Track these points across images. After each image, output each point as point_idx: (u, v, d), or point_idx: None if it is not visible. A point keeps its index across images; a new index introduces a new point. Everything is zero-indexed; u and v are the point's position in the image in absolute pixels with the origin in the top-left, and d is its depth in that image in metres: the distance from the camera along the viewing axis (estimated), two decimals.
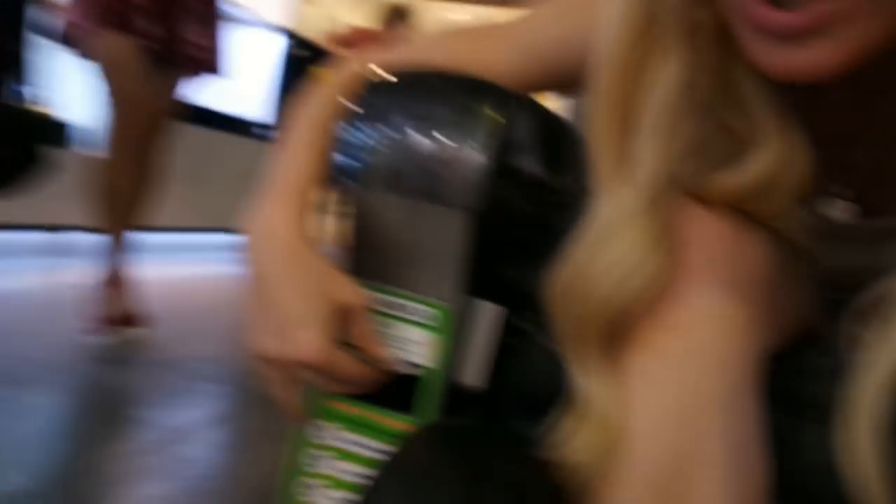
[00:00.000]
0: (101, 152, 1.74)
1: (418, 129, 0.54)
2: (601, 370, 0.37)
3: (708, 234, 0.38)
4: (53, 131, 2.53)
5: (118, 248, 1.84)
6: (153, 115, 1.73)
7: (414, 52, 0.61)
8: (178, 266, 2.03)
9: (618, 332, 0.37)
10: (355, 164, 0.55)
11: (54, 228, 2.53)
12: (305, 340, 0.45)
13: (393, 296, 0.56)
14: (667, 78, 0.37)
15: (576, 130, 0.56)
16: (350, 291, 0.49)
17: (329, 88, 0.58)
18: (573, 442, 0.37)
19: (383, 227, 0.57)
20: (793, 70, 0.31)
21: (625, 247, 0.36)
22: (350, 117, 0.56)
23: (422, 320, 0.56)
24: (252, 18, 3.54)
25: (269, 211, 0.51)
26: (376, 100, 0.56)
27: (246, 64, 3.62)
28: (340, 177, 0.56)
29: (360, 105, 0.56)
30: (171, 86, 1.79)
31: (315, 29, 7.27)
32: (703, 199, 0.38)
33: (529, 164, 0.63)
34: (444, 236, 0.56)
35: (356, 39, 3.68)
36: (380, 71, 0.57)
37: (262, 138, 3.57)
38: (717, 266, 0.37)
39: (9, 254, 2.39)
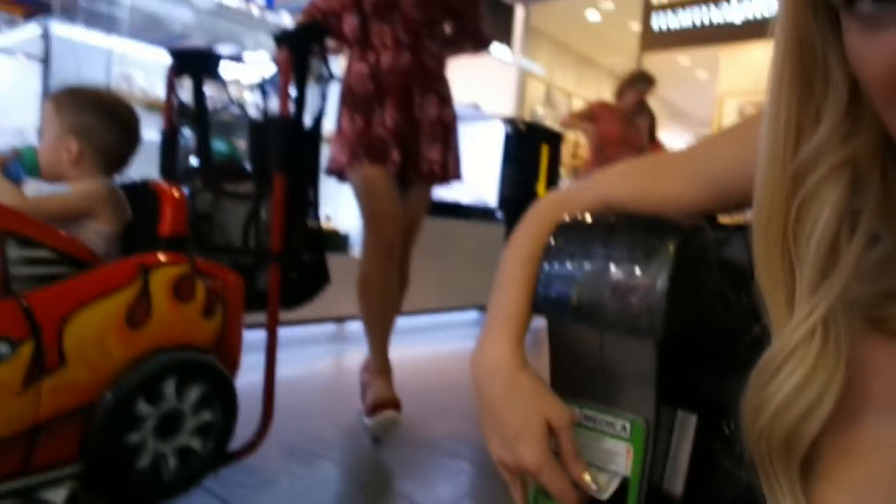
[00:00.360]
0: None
1: (608, 266, 0.60)
2: (791, 491, 0.39)
3: (887, 363, 0.38)
4: (337, 242, 3.08)
5: (374, 337, 2.14)
6: (401, 227, 2.00)
7: (601, 185, 0.67)
8: (430, 345, 2.27)
9: (803, 456, 0.39)
10: (555, 295, 0.63)
11: (340, 320, 2.99)
12: (526, 454, 0.56)
13: (594, 411, 0.62)
14: (823, 211, 0.37)
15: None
16: (557, 411, 0.58)
17: (534, 227, 0.67)
18: None
19: (581, 351, 0.64)
20: None
21: (800, 380, 0.37)
22: (550, 254, 0.64)
23: (620, 433, 0.61)
24: (478, 113, 3.89)
25: (490, 345, 0.62)
26: (572, 238, 0.64)
27: (476, 155, 3.98)
28: (543, 305, 0.64)
29: (558, 243, 0.64)
30: (417, 198, 2.06)
31: (538, 102, 7.67)
32: (884, 325, 0.38)
33: (712, 283, 0.67)
34: (635, 362, 0.61)
35: (596, 112, 3.86)
36: (575, 212, 0.65)
37: (493, 220, 3.85)
38: None
39: (303, 344, 2.89)
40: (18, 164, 1.32)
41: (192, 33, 2.99)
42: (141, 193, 1.37)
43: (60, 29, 2.72)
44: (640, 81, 3.83)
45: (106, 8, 2.57)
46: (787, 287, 0.39)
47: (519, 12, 7.24)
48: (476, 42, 2.17)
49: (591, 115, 3.85)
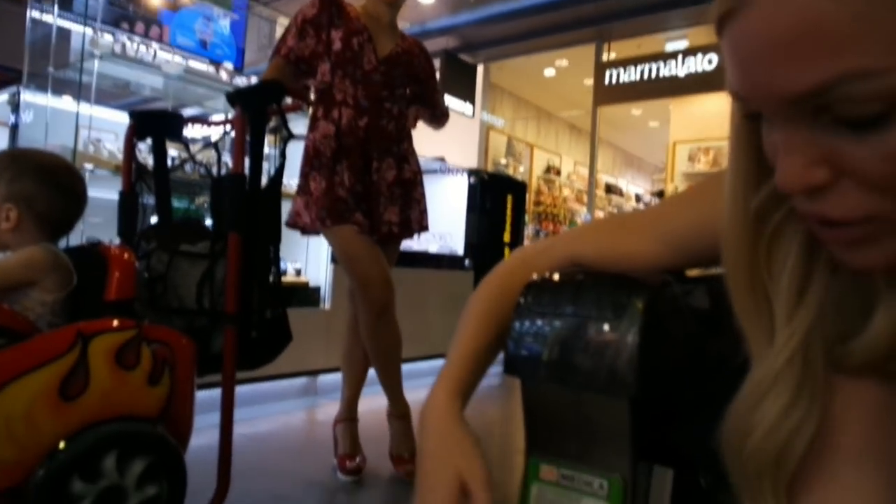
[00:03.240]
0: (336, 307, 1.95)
1: (578, 325, 0.57)
2: None
3: (854, 409, 0.38)
4: (308, 295, 2.97)
5: (347, 388, 2.04)
6: (391, 281, 1.90)
7: (567, 243, 0.66)
8: (408, 394, 2.16)
9: (791, 472, 0.39)
10: (526, 354, 0.59)
11: (312, 373, 2.85)
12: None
13: (571, 470, 0.58)
14: (791, 247, 0.39)
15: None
16: (474, 470, 0.54)
17: (496, 282, 0.64)
18: None
19: (555, 409, 0.60)
20: (860, 266, 0.35)
21: (787, 402, 0.38)
22: (520, 312, 0.60)
23: (598, 491, 0.57)
24: (444, 165, 3.86)
25: (432, 396, 0.59)
26: (541, 297, 0.60)
27: (443, 206, 3.93)
28: (515, 364, 0.60)
29: (528, 302, 0.60)
30: (385, 255, 1.94)
31: (500, 154, 7.73)
32: (842, 364, 0.39)
33: (681, 336, 0.62)
34: (610, 419, 0.57)
35: None
36: (543, 271, 0.62)
37: (461, 268, 3.77)
38: (866, 443, 0.37)
39: (275, 399, 2.74)
40: None
41: (162, 97, 2.92)
42: (90, 257, 1.27)
43: (30, 96, 2.64)
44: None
45: (74, 75, 2.49)
46: (765, 318, 0.40)
47: (480, 70, 7.36)
48: (433, 111, 2.13)
49: None
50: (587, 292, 0.58)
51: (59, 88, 2.58)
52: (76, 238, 2.34)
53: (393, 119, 1.91)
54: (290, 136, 1.50)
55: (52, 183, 1.21)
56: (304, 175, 1.91)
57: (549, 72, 7.78)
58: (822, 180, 0.32)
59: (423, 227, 2.03)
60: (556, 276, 0.62)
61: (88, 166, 2.38)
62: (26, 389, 0.97)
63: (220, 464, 1.32)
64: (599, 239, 0.64)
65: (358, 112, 1.85)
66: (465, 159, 6.49)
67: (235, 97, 1.41)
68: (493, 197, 3.94)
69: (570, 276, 0.61)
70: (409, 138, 2.01)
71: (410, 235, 2.00)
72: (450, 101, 6.42)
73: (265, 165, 1.51)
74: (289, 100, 1.64)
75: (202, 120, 2.52)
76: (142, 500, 1.09)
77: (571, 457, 0.59)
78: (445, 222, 3.72)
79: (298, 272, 3.06)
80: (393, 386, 2.01)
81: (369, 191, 1.86)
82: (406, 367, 3.27)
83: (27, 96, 2.63)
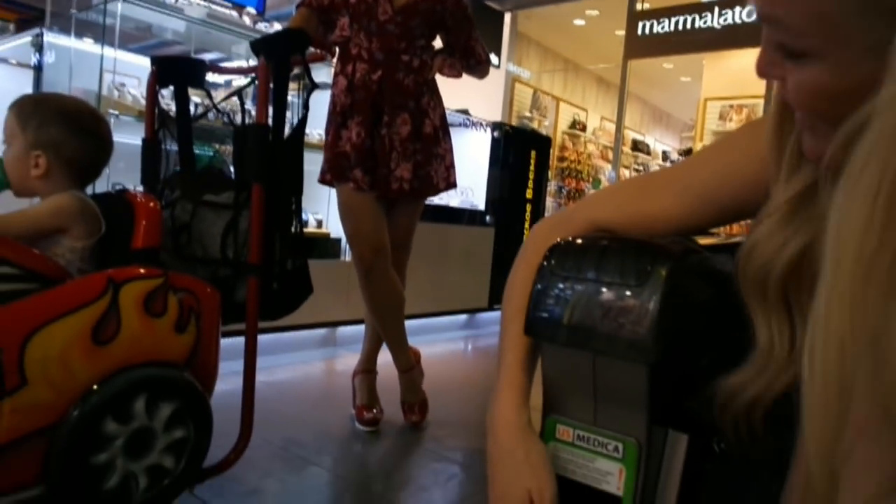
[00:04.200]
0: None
1: (600, 290, 0.58)
2: (765, 317, 0.50)
3: None
4: (329, 246, 2.99)
5: (367, 341, 2.08)
6: (388, 243, 1.90)
7: (593, 208, 0.66)
8: (420, 349, 2.19)
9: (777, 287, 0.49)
10: (545, 316, 0.60)
11: (332, 324, 2.91)
12: None
13: (587, 431, 0.60)
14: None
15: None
16: (542, 485, 0.57)
17: (531, 265, 0.64)
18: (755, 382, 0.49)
19: (573, 373, 0.61)
20: (806, 151, 0.47)
21: (767, 229, 0.49)
22: (541, 275, 0.61)
23: (612, 454, 0.59)
24: (467, 119, 3.80)
25: (498, 405, 0.61)
26: (564, 261, 0.61)
27: (466, 160, 3.90)
28: (534, 327, 0.61)
29: (550, 265, 0.61)
30: (401, 215, 1.95)
31: (525, 107, 7.60)
32: None
33: (701, 304, 0.62)
34: (627, 384, 0.58)
35: None
36: (567, 237, 0.62)
37: (482, 223, 3.77)
38: None
39: (295, 349, 2.80)
40: None
41: (184, 42, 2.89)
42: (117, 204, 1.29)
43: (53, 38, 2.63)
44: None
45: (97, 17, 2.47)
46: (779, 172, 0.50)
47: (507, 18, 7.16)
48: (468, 59, 2.00)
49: None
50: (610, 257, 0.58)
51: (82, 31, 2.57)
52: (102, 184, 2.37)
53: (412, 72, 1.86)
54: (314, 86, 1.49)
55: (78, 129, 1.22)
56: (325, 129, 1.91)
57: (579, 21, 7.54)
58: (775, 76, 0.44)
59: (451, 183, 1.99)
60: (580, 241, 0.61)
61: (113, 112, 2.39)
62: (61, 333, 1.01)
63: (243, 412, 1.37)
64: (622, 202, 0.64)
65: (372, 65, 1.82)
66: (489, 112, 6.38)
67: (260, 45, 1.40)
68: (517, 152, 3.90)
69: (594, 241, 0.61)
70: (433, 92, 1.95)
71: (434, 192, 1.97)
72: None
73: (288, 115, 1.50)
74: (313, 50, 1.62)
75: (224, 69, 2.50)
76: (169, 442, 1.15)
77: (587, 419, 0.61)
78: (467, 176, 3.69)
79: (320, 223, 3.08)
80: (391, 342, 2.02)
81: (380, 146, 1.83)
82: (425, 322, 3.32)
83: (50, 37, 2.63)
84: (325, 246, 3.01)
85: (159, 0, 2.50)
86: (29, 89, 2.66)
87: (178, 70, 1.65)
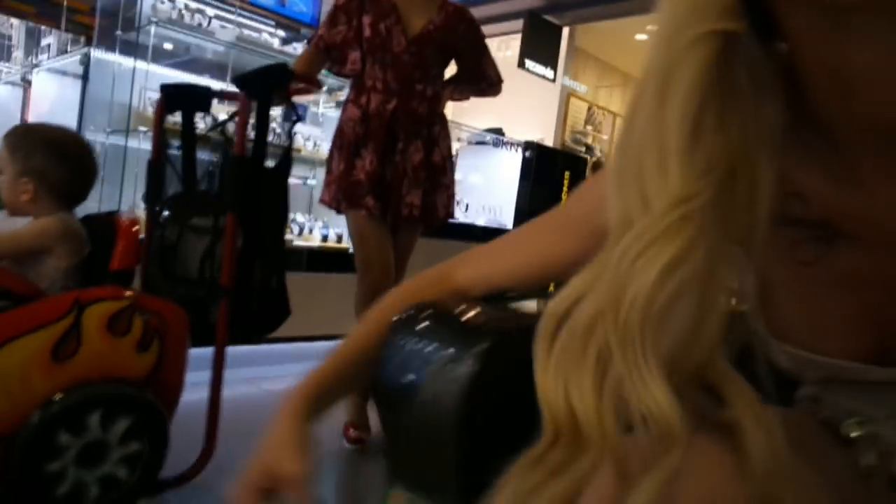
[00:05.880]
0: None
1: (418, 364, 0.61)
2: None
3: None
4: (345, 260, 3.09)
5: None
6: (392, 265, 1.95)
7: (494, 256, 0.67)
8: None
9: None
10: (385, 383, 0.64)
11: (331, 337, 2.98)
12: (237, 489, 0.57)
13: (410, 494, 0.62)
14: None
15: None
16: (284, 464, 0.57)
17: (376, 314, 0.69)
18: None
19: (398, 438, 0.65)
20: None
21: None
22: (386, 343, 0.64)
23: None
24: (494, 139, 3.83)
25: (291, 391, 0.64)
26: (395, 335, 0.65)
27: (496, 179, 3.92)
28: (375, 389, 0.65)
29: (390, 336, 0.64)
30: (403, 239, 2.00)
31: (580, 121, 7.52)
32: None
33: (515, 388, 0.64)
34: (440, 446, 0.60)
35: None
36: (405, 310, 0.65)
37: None
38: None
39: (295, 360, 2.89)
40: None
41: (223, 59, 3.07)
42: (104, 226, 1.41)
43: (100, 54, 2.87)
44: None
45: (143, 38, 2.69)
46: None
47: (565, 33, 7.12)
48: (479, 83, 2.07)
49: None
50: (427, 336, 0.62)
51: (126, 50, 2.79)
52: (128, 198, 2.55)
53: (425, 101, 1.92)
54: (298, 119, 1.57)
55: (62, 157, 1.35)
56: (330, 154, 1.99)
57: (641, 36, 7.41)
58: None
59: (449, 214, 2.04)
60: (413, 315, 0.65)
61: (143, 128, 2.57)
62: (22, 349, 1.12)
63: (207, 425, 1.46)
64: (528, 249, 0.64)
65: (387, 95, 1.88)
66: (542, 126, 6.37)
67: (242, 82, 1.49)
68: (549, 172, 3.89)
69: (412, 319, 0.65)
70: (443, 122, 2.01)
71: (434, 223, 2.01)
72: (530, 64, 6.28)
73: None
74: (299, 85, 1.71)
75: (228, 94, 2.65)
76: (124, 455, 1.25)
77: (413, 484, 0.63)
78: (495, 195, 3.72)
79: (339, 238, 3.19)
80: None
81: (393, 173, 1.89)
82: None
83: (97, 54, 2.87)
84: (343, 260, 3.10)
85: (192, 23, 2.67)
86: (77, 95, 2.93)
87: (185, 97, 1.78)
